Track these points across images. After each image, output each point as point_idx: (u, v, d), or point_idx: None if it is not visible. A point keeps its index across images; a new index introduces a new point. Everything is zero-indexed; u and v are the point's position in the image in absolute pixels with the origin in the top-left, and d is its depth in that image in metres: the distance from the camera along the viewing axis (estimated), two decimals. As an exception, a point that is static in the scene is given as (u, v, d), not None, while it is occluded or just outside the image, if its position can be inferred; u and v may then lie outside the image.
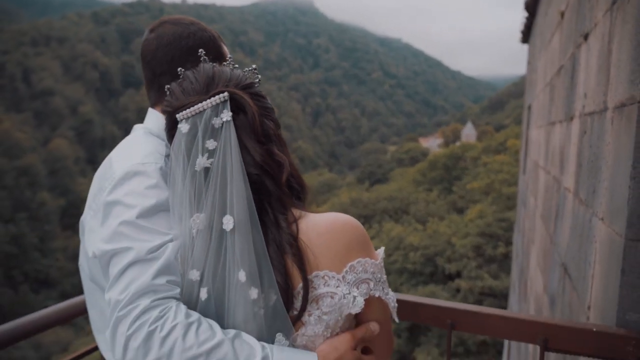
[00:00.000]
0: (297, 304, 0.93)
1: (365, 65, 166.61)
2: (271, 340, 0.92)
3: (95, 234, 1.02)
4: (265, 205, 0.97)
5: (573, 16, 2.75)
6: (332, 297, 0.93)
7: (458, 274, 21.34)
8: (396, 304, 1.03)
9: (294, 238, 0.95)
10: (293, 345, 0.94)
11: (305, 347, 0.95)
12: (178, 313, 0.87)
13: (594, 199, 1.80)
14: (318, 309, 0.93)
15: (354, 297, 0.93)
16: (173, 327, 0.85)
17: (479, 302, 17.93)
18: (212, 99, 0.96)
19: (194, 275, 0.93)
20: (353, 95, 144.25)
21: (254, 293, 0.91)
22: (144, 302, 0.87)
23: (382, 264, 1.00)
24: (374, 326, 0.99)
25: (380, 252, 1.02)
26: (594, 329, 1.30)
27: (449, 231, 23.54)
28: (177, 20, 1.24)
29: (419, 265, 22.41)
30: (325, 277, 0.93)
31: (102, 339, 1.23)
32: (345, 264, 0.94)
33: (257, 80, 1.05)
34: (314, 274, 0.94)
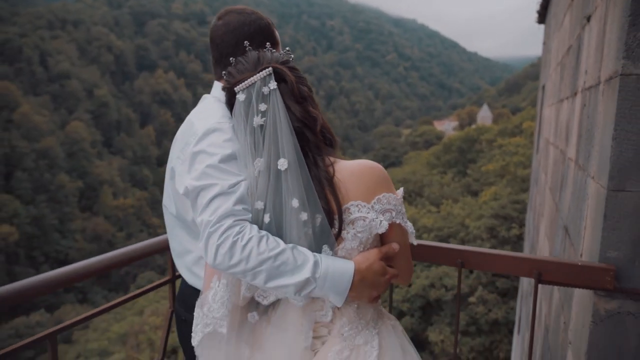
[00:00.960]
0: (337, 225, 1.23)
1: (380, 47, 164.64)
2: (319, 252, 1.22)
3: (185, 175, 1.31)
4: (306, 150, 1.26)
5: (580, -1, 2.95)
6: (364, 220, 1.23)
7: (471, 255, 21.50)
8: (414, 230, 1.34)
9: (331, 175, 1.24)
10: (335, 256, 1.24)
11: (344, 258, 1.25)
12: (252, 230, 1.17)
13: (588, 163, 2.05)
14: (354, 228, 1.23)
15: (380, 221, 1.23)
16: (250, 239, 1.15)
17: (491, 283, 18.20)
18: (260, 73, 1.26)
19: (259, 205, 1.23)
20: (367, 77, 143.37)
21: (304, 216, 1.20)
22: (228, 221, 1.16)
23: (402, 200, 1.29)
24: (395, 245, 1.29)
25: (400, 191, 1.31)
26: (579, 264, 1.57)
27: (462, 213, 23.66)
28: (240, 10, 1.53)
29: (433, 247, 22.59)
30: (359, 206, 1.23)
31: (180, 262, 1.57)
32: (374, 197, 1.24)
33: (291, 57, 1.36)
34: (350, 203, 1.23)
